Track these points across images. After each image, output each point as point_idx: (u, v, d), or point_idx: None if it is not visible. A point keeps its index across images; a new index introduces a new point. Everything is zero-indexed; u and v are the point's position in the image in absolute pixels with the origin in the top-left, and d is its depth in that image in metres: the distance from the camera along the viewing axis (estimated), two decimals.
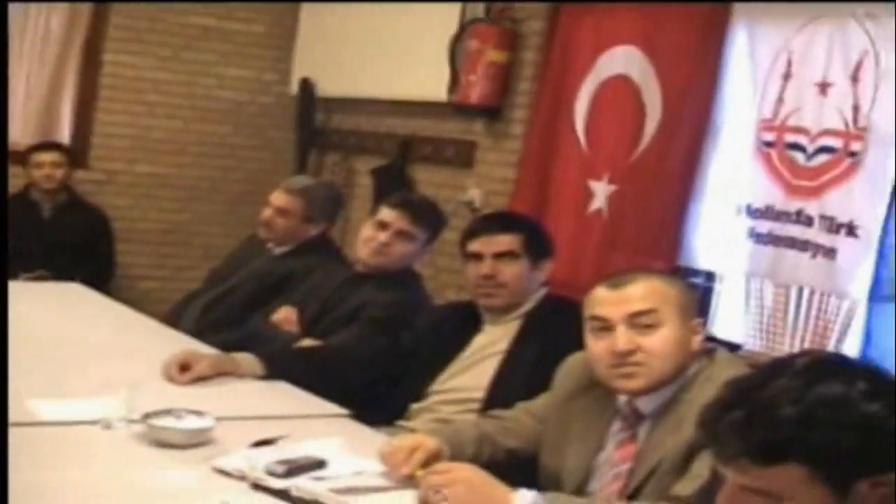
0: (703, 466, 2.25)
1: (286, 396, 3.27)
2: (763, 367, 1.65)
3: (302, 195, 4.54)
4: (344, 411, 3.15)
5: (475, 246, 3.49)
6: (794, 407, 1.53)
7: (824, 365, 1.61)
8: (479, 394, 3.33)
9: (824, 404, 1.53)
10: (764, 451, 1.54)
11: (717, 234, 4.53)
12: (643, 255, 4.60)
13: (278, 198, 4.54)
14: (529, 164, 5.29)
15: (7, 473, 1.93)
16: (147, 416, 2.68)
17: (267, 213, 4.55)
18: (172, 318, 4.45)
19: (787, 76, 4.26)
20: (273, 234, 4.56)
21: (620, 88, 4.90)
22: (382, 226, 3.92)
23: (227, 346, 3.61)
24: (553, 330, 3.33)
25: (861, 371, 1.61)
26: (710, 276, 4.69)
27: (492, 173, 5.60)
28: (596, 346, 2.54)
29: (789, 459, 1.53)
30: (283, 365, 3.42)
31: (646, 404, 2.52)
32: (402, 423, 3.37)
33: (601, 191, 4.92)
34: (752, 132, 4.39)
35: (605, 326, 2.51)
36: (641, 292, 2.51)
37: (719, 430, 1.61)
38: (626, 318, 2.49)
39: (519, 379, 3.27)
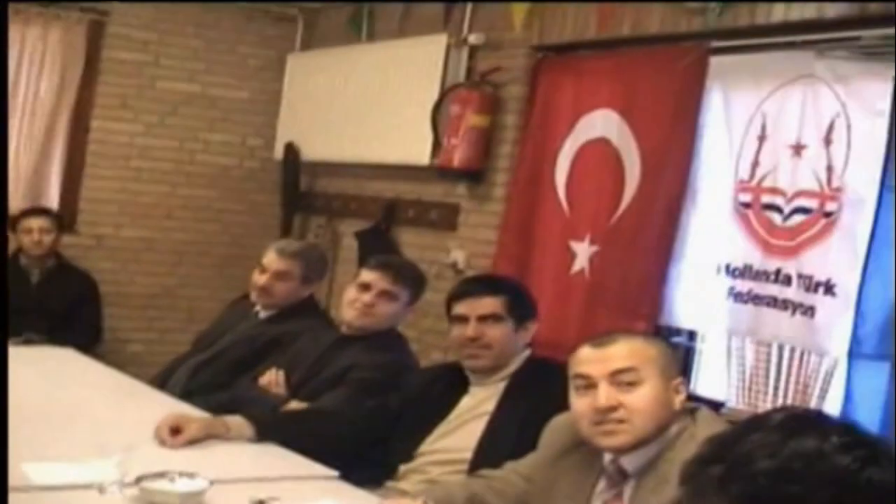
0: None
1: (277, 458, 3.30)
2: (741, 422, 1.71)
3: (300, 257, 4.55)
4: (334, 473, 3.18)
5: (460, 308, 3.56)
6: (771, 460, 1.58)
7: (800, 420, 1.67)
8: (467, 454, 3.38)
9: (799, 457, 1.58)
10: None
11: (698, 294, 4.57)
12: (625, 314, 4.63)
13: (276, 262, 4.49)
14: (512, 226, 5.34)
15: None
16: (140, 479, 2.72)
17: (262, 278, 4.49)
18: (160, 382, 4.44)
19: (762, 138, 4.35)
20: (272, 298, 4.50)
21: (600, 151, 4.97)
22: (365, 287, 3.98)
23: (214, 409, 3.64)
24: (538, 391, 3.38)
25: (835, 426, 1.66)
26: (691, 335, 4.76)
27: (475, 235, 5.67)
28: (579, 403, 2.61)
29: None
30: (273, 427, 3.47)
31: (630, 463, 2.58)
32: (391, 483, 3.41)
33: (583, 252, 4.97)
34: (730, 193, 4.46)
35: (589, 384, 2.58)
36: (623, 351, 2.59)
37: (700, 485, 1.66)
38: (608, 375, 2.56)
39: (505, 439, 3.31)
